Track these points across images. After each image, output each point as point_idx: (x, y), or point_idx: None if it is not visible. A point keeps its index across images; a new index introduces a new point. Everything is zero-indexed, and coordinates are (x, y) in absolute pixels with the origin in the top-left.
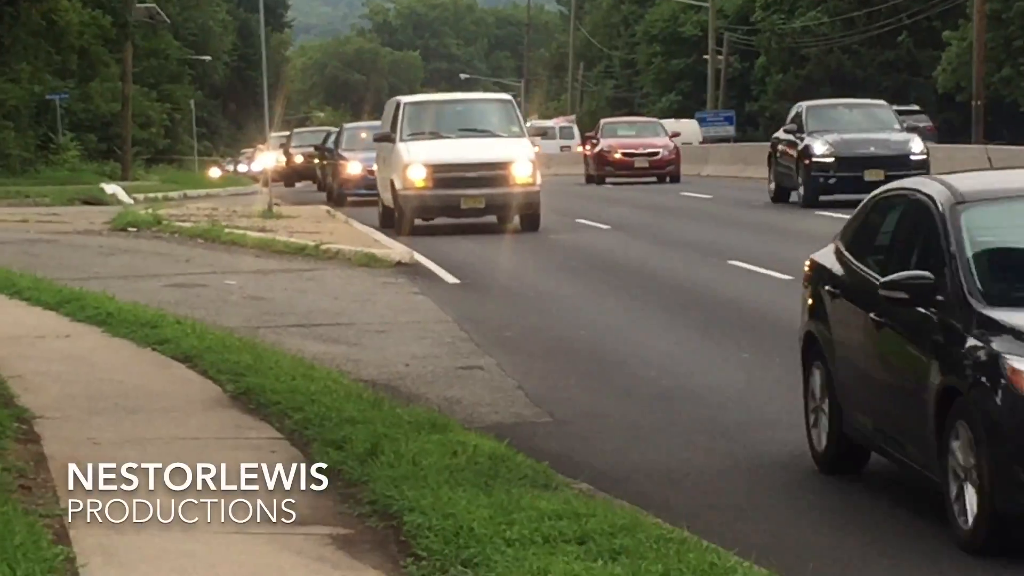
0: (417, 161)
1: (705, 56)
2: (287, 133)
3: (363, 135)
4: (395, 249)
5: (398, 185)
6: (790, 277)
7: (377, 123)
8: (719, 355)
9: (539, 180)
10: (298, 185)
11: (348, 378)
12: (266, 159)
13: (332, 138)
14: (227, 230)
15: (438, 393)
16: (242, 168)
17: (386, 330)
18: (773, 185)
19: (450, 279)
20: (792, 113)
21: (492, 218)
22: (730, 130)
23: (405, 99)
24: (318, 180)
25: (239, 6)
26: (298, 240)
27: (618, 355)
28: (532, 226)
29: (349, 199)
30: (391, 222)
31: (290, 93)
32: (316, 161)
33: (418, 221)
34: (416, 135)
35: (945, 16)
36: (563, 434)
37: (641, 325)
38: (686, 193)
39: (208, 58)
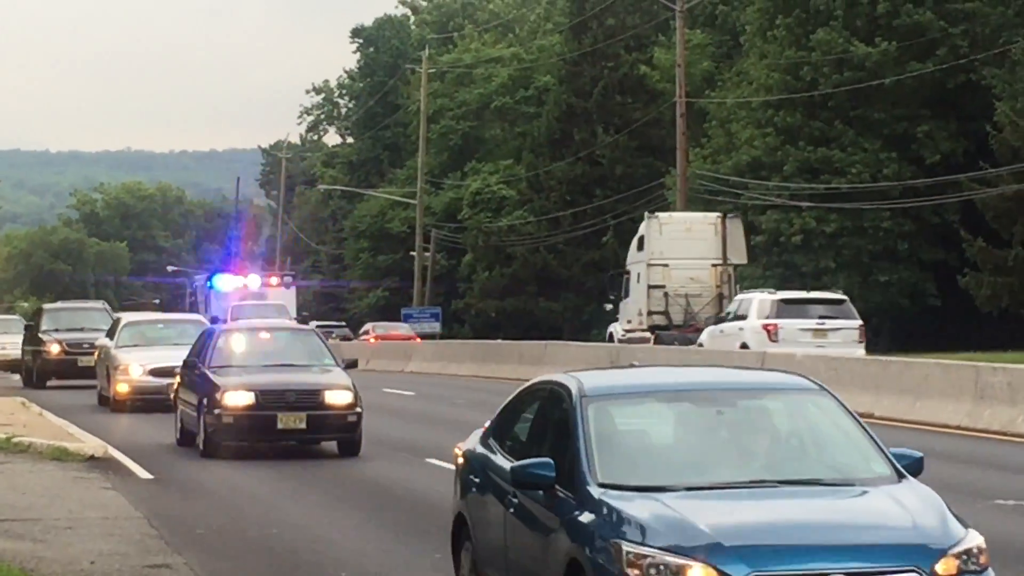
0: None
1: (412, 252)
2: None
3: (141, 326)
4: (88, 443)
5: None
6: None
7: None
8: (412, 555)
9: None
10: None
11: None
12: None
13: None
14: None
15: None
16: None
17: (74, 526)
18: None
19: (144, 474)
20: None
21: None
22: (436, 327)
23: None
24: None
25: None
26: None
27: (311, 555)
28: None
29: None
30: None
31: None
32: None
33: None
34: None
35: None
36: None
37: (336, 524)
38: (388, 389)
39: None
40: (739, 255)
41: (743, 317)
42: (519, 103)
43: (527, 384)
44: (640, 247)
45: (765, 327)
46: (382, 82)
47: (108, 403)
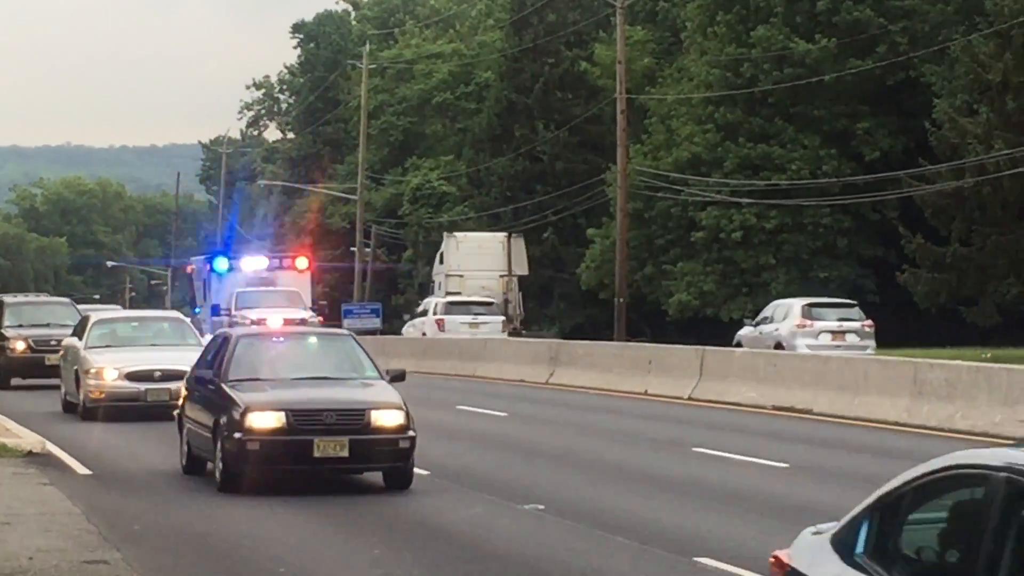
0: None
1: (353, 248)
2: None
3: (113, 324)
4: (27, 438)
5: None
6: (427, 472)
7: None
8: (352, 551)
9: None
10: None
11: None
12: None
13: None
14: None
15: None
16: None
17: (11, 522)
18: None
19: (82, 470)
20: None
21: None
22: (376, 323)
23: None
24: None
25: None
26: None
27: (250, 551)
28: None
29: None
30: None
31: None
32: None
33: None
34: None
35: (590, 214)
36: None
37: (276, 520)
38: None
39: None
40: (521, 268)
41: (425, 314)
42: (460, 99)
43: (929, 468)
44: (441, 261)
45: (437, 321)
46: (323, 78)
47: (75, 409)
